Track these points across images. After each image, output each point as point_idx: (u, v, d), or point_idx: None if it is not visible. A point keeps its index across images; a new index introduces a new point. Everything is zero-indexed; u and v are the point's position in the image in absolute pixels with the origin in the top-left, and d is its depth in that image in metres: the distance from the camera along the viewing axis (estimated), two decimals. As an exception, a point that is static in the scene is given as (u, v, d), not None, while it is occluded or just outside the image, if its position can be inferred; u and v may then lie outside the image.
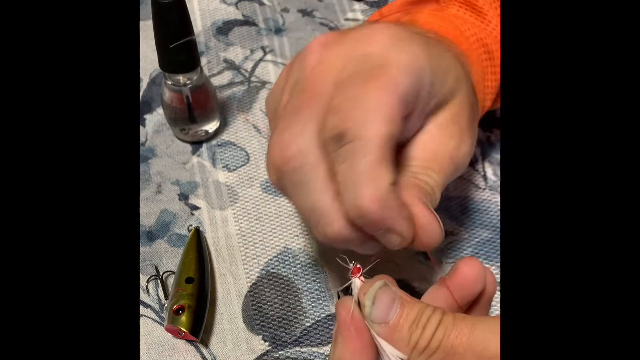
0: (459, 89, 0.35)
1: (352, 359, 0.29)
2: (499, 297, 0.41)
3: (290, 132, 0.31)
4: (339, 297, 0.39)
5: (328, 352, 0.40)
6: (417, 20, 0.41)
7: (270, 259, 0.44)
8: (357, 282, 0.31)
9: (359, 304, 0.30)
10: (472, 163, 0.49)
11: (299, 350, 0.40)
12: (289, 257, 0.44)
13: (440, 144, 0.35)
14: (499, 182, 0.48)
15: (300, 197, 0.32)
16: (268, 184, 0.48)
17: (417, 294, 0.42)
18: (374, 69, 0.31)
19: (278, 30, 0.58)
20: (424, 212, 0.32)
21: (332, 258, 0.44)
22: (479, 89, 0.39)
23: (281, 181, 0.32)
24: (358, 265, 0.31)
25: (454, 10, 0.41)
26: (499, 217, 0.46)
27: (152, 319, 0.42)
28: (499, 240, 0.45)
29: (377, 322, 0.29)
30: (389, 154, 0.30)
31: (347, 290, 0.31)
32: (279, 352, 0.40)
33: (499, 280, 0.43)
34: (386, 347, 0.29)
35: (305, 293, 0.43)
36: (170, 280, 0.43)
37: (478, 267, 0.31)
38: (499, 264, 0.44)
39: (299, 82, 0.34)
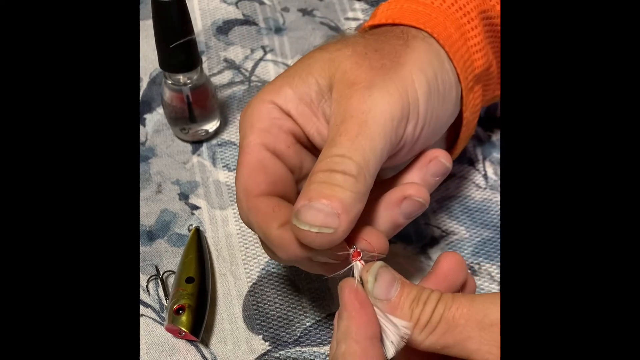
0: (331, 64, 0.35)
1: (357, 332, 0.30)
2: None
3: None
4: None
5: (329, 352, 0.40)
6: (373, 15, 0.40)
7: (271, 259, 0.44)
8: (358, 264, 0.32)
9: (361, 283, 0.31)
10: (473, 162, 0.49)
11: (300, 350, 0.40)
12: (290, 257, 0.44)
13: (341, 114, 0.34)
14: (499, 182, 0.48)
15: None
16: (268, 184, 0.48)
17: (417, 293, 0.42)
18: (240, 146, 0.35)
19: (278, 30, 0.58)
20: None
21: (332, 258, 0.44)
22: (457, 45, 0.38)
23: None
24: (358, 249, 0.32)
25: None
26: (500, 217, 0.46)
27: (153, 318, 0.42)
28: (499, 240, 0.45)
29: (379, 298, 0.30)
30: (258, 164, 0.34)
31: (348, 275, 0.32)
32: (280, 352, 0.40)
33: (498, 280, 0.43)
34: (390, 320, 0.30)
35: (305, 293, 0.43)
36: (171, 280, 0.43)
37: (458, 258, 0.34)
38: (499, 264, 0.44)
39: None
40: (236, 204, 0.47)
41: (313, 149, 0.37)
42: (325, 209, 0.30)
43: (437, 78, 0.36)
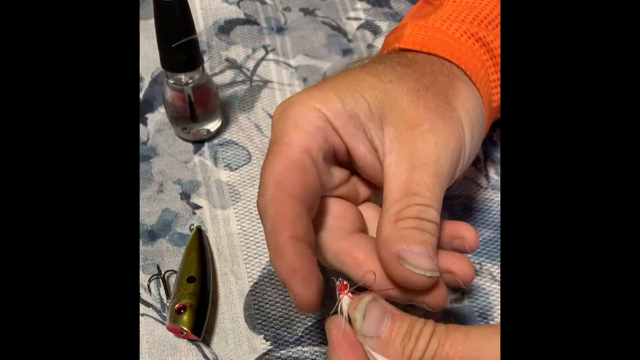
0: (386, 96, 0.35)
1: None
2: (499, 297, 0.41)
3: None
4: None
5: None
6: (401, 36, 0.40)
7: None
8: (345, 299, 0.31)
9: (349, 320, 0.30)
10: (475, 162, 0.49)
11: (301, 350, 0.40)
12: (291, 256, 0.44)
13: (402, 155, 0.34)
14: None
15: None
16: (270, 183, 0.48)
17: (419, 293, 0.42)
18: (276, 141, 0.34)
19: (280, 29, 0.58)
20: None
21: (333, 257, 0.44)
22: (483, 83, 0.39)
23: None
24: (345, 282, 0.32)
25: (449, 3, 0.41)
26: (500, 216, 0.46)
27: (154, 318, 0.42)
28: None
29: (369, 336, 0.29)
30: (289, 211, 0.32)
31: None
32: (281, 352, 0.40)
33: (499, 279, 0.43)
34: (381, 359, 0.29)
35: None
36: (172, 280, 0.43)
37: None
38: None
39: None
40: (238, 203, 0.47)
41: (346, 165, 0.37)
42: (425, 253, 0.31)
43: (477, 121, 0.37)
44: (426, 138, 0.34)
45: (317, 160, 0.34)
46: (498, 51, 0.39)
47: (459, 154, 0.35)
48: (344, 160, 0.36)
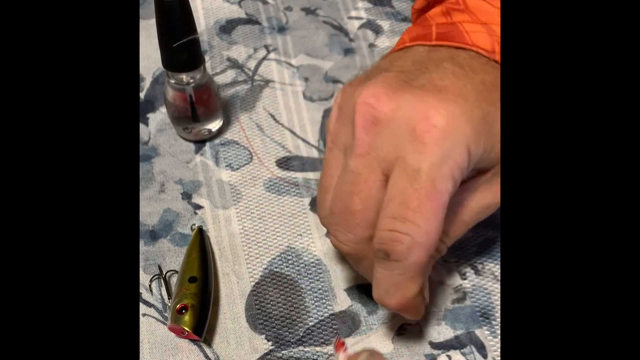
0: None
1: None
2: (499, 297, 0.41)
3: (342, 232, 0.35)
4: None
5: (331, 352, 0.40)
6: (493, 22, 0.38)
7: (274, 258, 0.44)
8: (341, 356, 0.32)
9: None
10: (476, 162, 0.49)
11: (302, 350, 0.40)
12: (292, 257, 0.44)
13: (477, 204, 0.36)
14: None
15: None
16: (271, 183, 0.48)
17: (420, 293, 0.42)
18: (427, 187, 0.32)
19: (281, 29, 0.58)
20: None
21: (335, 257, 0.44)
22: None
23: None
24: (341, 340, 0.32)
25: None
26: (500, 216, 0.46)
27: (155, 318, 0.42)
28: (503, 239, 0.45)
29: None
30: (425, 269, 0.34)
31: None
32: (282, 352, 0.40)
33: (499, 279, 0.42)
34: None
35: (308, 292, 0.43)
36: (174, 280, 0.43)
37: None
38: (503, 263, 0.44)
39: (351, 147, 0.35)
40: (239, 203, 0.47)
41: None
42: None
43: None
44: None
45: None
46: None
47: None
48: None
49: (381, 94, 0.33)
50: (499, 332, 0.41)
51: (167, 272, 0.43)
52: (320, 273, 0.43)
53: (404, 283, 0.34)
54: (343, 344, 0.32)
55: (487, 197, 0.36)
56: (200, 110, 0.48)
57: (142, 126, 0.51)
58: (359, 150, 0.34)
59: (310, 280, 0.43)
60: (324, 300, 0.42)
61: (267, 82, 0.54)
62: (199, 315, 0.40)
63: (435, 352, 0.40)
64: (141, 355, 0.40)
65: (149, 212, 0.46)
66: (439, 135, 0.32)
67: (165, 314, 0.42)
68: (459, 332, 0.41)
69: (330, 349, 0.40)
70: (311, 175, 0.48)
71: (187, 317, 0.39)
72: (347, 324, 0.41)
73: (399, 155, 0.33)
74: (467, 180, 0.35)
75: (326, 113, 0.52)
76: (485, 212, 0.37)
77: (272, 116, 0.52)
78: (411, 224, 0.32)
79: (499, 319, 0.41)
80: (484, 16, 0.39)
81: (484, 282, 0.43)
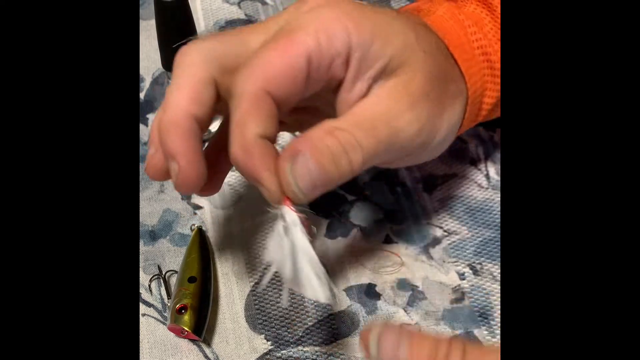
0: (409, 55, 0.35)
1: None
2: (499, 297, 0.41)
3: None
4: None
5: (330, 352, 0.40)
6: (434, 11, 0.40)
7: (273, 259, 0.44)
8: (286, 210, 0.32)
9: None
10: (475, 162, 0.49)
11: (301, 350, 0.40)
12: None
13: (381, 106, 0.34)
14: (501, 182, 0.48)
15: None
16: (271, 184, 0.48)
17: (420, 292, 0.42)
18: (284, 32, 0.33)
19: (281, 30, 0.58)
20: (282, 167, 0.32)
21: (334, 257, 0.44)
22: (474, 102, 0.39)
23: None
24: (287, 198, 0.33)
25: (471, 8, 0.40)
26: (500, 216, 0.46)
27: (155, 318, 0.42)
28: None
29: None
30: (264, 108, 0.32)
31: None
32: (282, 352, 0.40)
33: (499, 279, 0.43)
34: None
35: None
36: (173, 280, 0.43)
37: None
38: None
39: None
40: (239, 203, 0.47)
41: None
42: (314, 177, 0.33)
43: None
44: (412, 114, 0.35)
45: (317, 69, 0.33)
46: (498, 64, 0.40)
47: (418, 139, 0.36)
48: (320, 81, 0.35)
49: None
50: (497, 332, 0.41)
51: (167, 272, 0.43)
52: (320, 273, 0.44)
53: (241, 119, 0.32)
54: (288, 199, 0.32)
55: (388, 98, 0.35)
56: (200, 110, 0.48)
57: (142, 127, 0.51)
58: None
59: (309, 280, 0.43)
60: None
61: (267, 82, 0.54)
62: (198, 315, 0.40)
63: (434, 352, 0.40)
64: (141, 355, 0.40)
65: (149, 212, 0.46)
66: (321, 2, 0.34)
67: (165, 314, 0.42)
68: (457, 332, 0.41)
69: (329, 349, 0.40)
70: (310, 175, 0.48)
71: (186, 317, 0.40)
72: (346, 323, 0.41)
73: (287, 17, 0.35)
74: (372, 84, 0.35)
75: (325, 114, 0.52)
76: (388, 124, 0.34)
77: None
78: (254, 58, 0.33)
79: (497, 319, 0.41)
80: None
81: (482, 283, 0.43)
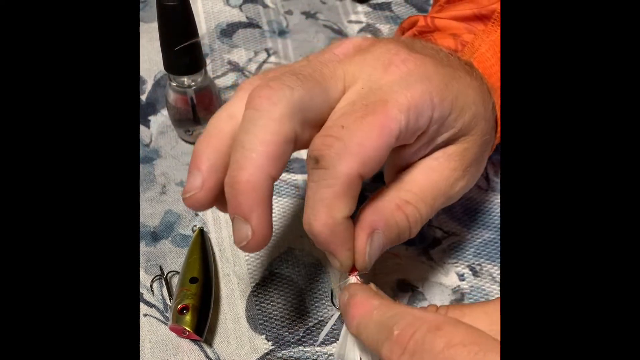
0: (475, 127, 0.36)
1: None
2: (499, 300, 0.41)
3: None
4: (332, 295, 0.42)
5: (331, 352, 0.40)
6: (477, 48, 0.40)
7: (274, 259, 0.44)
8: (352, 279, 0.34)
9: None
10: (475, 164, 0.49)
11: (302, 350, 0.41)
12: (292, 258, 0.45)
13: (441, 176, 0.36)
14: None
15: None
16: (271, 185, 0.48)
17: (419, 294, 0.43)
18: (377, 103, 0.32)
19: (282, 33, 0.58)
20: (361, 246, 0.33)
21: (335, 258, 0.45)
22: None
23: None
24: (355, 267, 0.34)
25: (497, 35, 0.41)
26: (500, 218, 0.46)
27: (157, 318, 0.42)
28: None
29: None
30: (354, 190, 0.31)
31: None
32: (282, 352, 0.40)
33: (499, 281, 0.43)
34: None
35: (308, 293, 0.43)
36: (175, 280, 0.43)
37: None
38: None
39: (312, 60, 0.35)
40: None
41: None
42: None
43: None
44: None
45: None
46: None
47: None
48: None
49: (366, 39, 0.36)
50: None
51: (169, 272, 0.44)
52: (320, 274, 0.44)
53: (332, 199, 0.31)
54: (356, 269, 0.33)
55: (448, 168, 0.36)
56: (202, 112, 0.48)
57: (143, 128, 0.51)
58: (337, 49, 0.36)
59: (310, 281, 0.43)
60: (323, 301, 0.43)
61: (268, 85, 0.54)
62: (199, 315, 0.40)
63: (434, 352, 0.40)
64: (142, 355, 0.40)
65: (151, 213, 0.47)
66: (406, 69, 0.33)
67: (167, 314, 0.42)
68: (457, 333, 0.41)
69: (329, 349, 0.40)
70: (311, 177, 0.49)
71: (188, 317, 0.40)
72: (347, 324, 0.42)
73: (363, 73, 0.34)
74: (434, 148, 0.36)
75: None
76: (445, 194, 0.36)
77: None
78: (347, 131, 0.31)
79: (497, 320, 0.42)
80: (452, 30, 0.42)
81: (482, 284, 0.43)
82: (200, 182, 0.33)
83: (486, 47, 0.41)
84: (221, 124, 0.34)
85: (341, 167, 0.31)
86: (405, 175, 0.36)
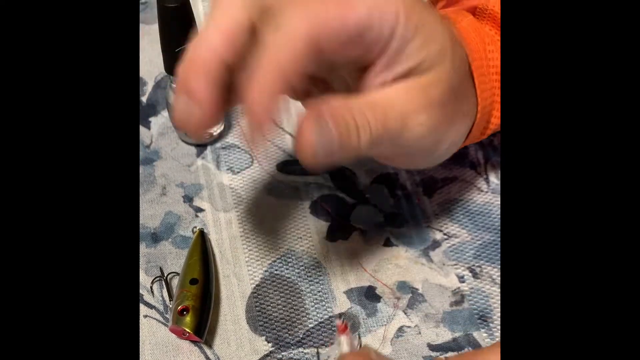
0: (440, 62, 0.35)
1: None
2: (498, 300, 0.41)
3: None
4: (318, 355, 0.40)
5: (331, 353, 0.40)
6: (459, 21, 0.40)
7: (274, 261, 0.44)
8: (343, 339, 0.33)
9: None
10: (475, 166, 0.49)
11: (302, 351, 0.41)
12: (292, 259, 0.45)
13: (397, 98, 0.34)
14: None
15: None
16: (271, 187, 0.48)
17: (419, 295, 0.43)
18: None
19: (282, 34, 0.58)
20: (307, 124, 0.32)
21: (334, 260, 0.45)
22: (481, 120, 0.39)
23: None
24: (345, 323, 0.33)
25: (486, 29, 0.41)
26: (500, 220, 0.46)
27: (157, 319, 0.42)
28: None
29: None
30: (306, 56, 0.30)
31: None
32: (282, 353, 0.40)
33: (499, 281, 0.43)
34: None
35: (308, 295, 0.43)
36: (175, 282, 0.43)
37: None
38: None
39: None
40: (240, 206, 0.47)
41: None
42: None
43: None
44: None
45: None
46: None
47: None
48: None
49: None
50: (497, 334, 0.41)
51: (169, 274, 0.44)
52: (320, 275, 0.44)
53: (281, 61, 0.30)
54: (346, 327, 0.32)
55: (405, 96, 0.34)
56: (202, 114, 0.48)
57: (144, 130, 0.51)
58: None
59: (310, 282, 0.43)
60: (323, 303, 0.43)
61: (268, 86, 0.54)
62: (199, 316, 0.40)
63: (434, 354, 0.40)
64: (142, 357, 0.40)
65: (151, 214, 0.47)
66: None
67: (167, 316, 0.42)
68: (457, 335, 0.41)
69: (329, 350, 0.40)
70: (311, 179, 0.49)
71: (188, 319, 0.40)
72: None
73: None
74: (393, 79, 0.34)
75: (326, 117, 0.52)
76: (399, 117, 0.34)
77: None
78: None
79: (496, 322, 0.42)
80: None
81: (482, 285, 0.43)
82: (184, 97, 0.33)
83: (467, 22, 0.40)
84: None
85: (298, 26, 0.30)
86: (359, 93, 0.35)
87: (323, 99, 0.33)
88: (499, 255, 0.44)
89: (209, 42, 0.31)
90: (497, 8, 0.41)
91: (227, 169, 0.49)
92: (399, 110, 0.34)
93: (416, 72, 0.34)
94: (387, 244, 0.45)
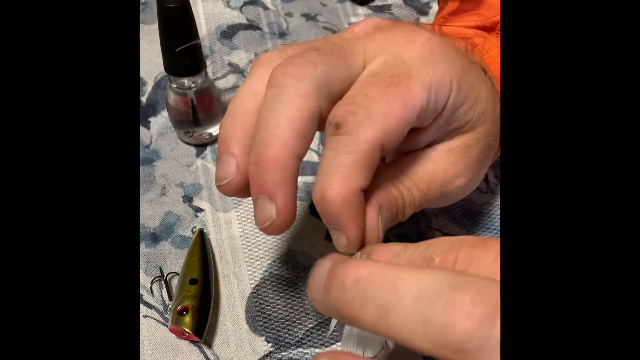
0: (482, 125, 0.35)
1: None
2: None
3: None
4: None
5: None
6: (487, 50, 0.40)
7: (274, 261, 0.44)
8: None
9: None
10: (475, 166, 0.49)
11: (302, 352, 0.41)
12: (292, 259, 0.45)
13: (439, 167, 0.35)
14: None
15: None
16: (271, 187, 0.48)
17: (419, 296, 0.43)
18: (401, 76, 0.31)
19: (282, 35, 0.58)
20: (373, 222, 0.32)
21: (334, 260, 0.45)
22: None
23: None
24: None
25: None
26: (500, 220, 0.46)
27: (156, 319, 0.42)
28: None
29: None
30: (373, 161, 0.30)
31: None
32: (282, 353, 0.40)
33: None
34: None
35: (308, 295, 0.43)
36: (175, 282, 0.43)
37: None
38: (500, 267, 0.44)
39: (331, 39, 0.34)
40: (240, 206, 0.47)
41: None
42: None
43: None
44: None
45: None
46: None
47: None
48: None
49: (383, 20, 0.36)
50: (496, 334, 0.41)
51: (168, 274, 0.44)
52: (320, 276, 0.44)
53: (350, 167, 0.30)
54: (363, 246, 0.32)
55: (447, 161, 0.35)
56: (202, 114, 0.48)
57: (144, 130, 0.51)
58: (357, 28, 0.35)
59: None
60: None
61: (268, 87, 0.54)
62: (199, 316, 0.40)
63: (434, 354, 0.40)
64: (142, 357, 0.40)
65: (151, 214, 0.47)
66: (429, 47, 0.32)
67: (166, 316, 0.42)
68: (456, 335, 0.41)
69: (329, 350, 0.40)
70: (310, 179, 0.49)
71: (187, 319, 0.40)
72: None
73: (385, 49, 0.33)
74: (442, 137, 0.35)
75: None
76: (440, 187, 0.35)
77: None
78: (372, 100, 0.30)
79: (496, 322, 0.42)
80: (460, 35, 0.42)
81: (481, 286, 0.43)
82: (235, 166, 0.32)
83: (495, 51, 0.41)
84: (245, 104, 0.33)
85: (364, 134, 0.30)
86: (402, 158, 0.35)
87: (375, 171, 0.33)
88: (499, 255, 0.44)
89: (283, 138, 0.30)
90: None
91: (227, 169, 0.49)
92: (441, 180, 0.35)
93: (460, 132, 0.35)
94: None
